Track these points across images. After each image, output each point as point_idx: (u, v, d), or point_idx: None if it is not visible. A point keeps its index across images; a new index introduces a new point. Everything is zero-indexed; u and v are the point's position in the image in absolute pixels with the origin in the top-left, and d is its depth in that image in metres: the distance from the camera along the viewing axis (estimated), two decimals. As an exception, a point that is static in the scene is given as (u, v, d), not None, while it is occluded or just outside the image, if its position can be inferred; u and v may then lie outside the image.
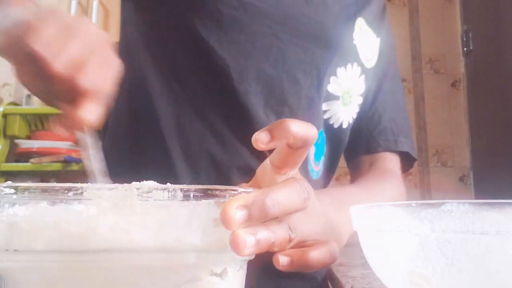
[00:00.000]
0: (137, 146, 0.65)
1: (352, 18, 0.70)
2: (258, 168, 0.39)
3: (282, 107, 0.64)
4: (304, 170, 0.66)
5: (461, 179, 2.37)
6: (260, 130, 0.34)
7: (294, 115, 0.64)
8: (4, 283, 0.26)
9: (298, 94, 0.65)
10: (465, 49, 2.38)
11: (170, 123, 0.63)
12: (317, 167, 0.69)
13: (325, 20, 0.67)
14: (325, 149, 0.71)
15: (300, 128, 0.34)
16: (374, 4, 0.76)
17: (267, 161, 0.38)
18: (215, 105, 0.63)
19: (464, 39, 2.38)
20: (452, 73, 2.44)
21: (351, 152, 0.78)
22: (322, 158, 0.71)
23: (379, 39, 0.75)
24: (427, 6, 2.49)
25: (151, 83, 0.64)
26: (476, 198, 0.29)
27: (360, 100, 0.72)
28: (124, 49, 0.69)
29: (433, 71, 2.45)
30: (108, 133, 0.71)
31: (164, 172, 0.62)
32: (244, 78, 0.63)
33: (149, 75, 0.64)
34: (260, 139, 0.34)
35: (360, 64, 0.70)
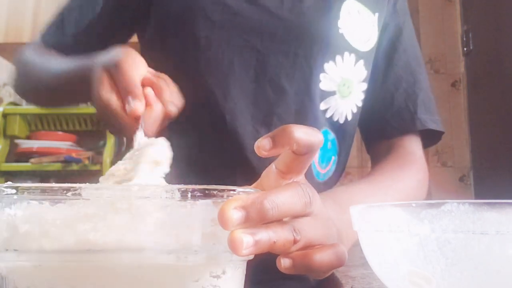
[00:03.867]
0: None
1: (337, 4, 0.67)
2: (263, 172, 0.39)
3: (270, 118, 0.63)
4: (309, 174, 0.65)
5: (461, 179, 2.37)
6: (263, 137, 0.34)
7: (284, 122, 0.63)
8: (5, 283, 0.26)
9: (284, 100, 0.64)
10: (465, 49, 2.38)
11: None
12: (324, 169, 0.68)
13: (302, 18, 0.65)
14: (337, 148, 0.70)
15: (304, 134, 0.33)
16: None
17: (272, 165, 0.38)
18: (204, 130, 0.64)
19: (464, 39, 2.38)
20: (452, 73, 2.44)
21: (367, 138, 0.74)
22: (334, 158, 0.70)
23: (376, 14, 0.70)
24: (427, 6, 2.49)
25: None
26: (476, 198, 0.29)
27: (364, 87, 0.69)
28: None
29: (433, 71, 2.45)
30: None
31: None
32: (227, 97, 0.62)
33: None
34: (263, 146, 0.33)
35: (353, 51, 0.66)
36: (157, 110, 0.45)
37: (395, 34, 0.73)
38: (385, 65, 0.72)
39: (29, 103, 0.87)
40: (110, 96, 0.46)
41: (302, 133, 0.33)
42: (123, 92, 0.46)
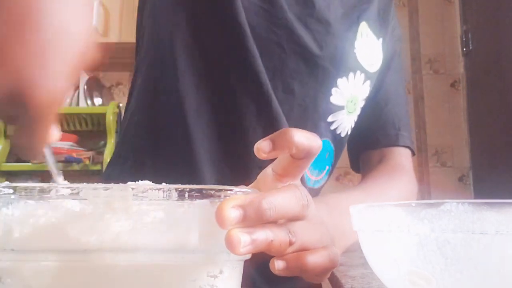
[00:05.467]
0: (156, 129, 0.65)
1: (355, 24, 0.69)
2: (260, 174, 0.39)
3: (273, 116, 0.63)
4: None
5: (461, 179, 2.37)
6: (262, 139, 0.34)
7: (283, 124, 0.63)
8: (1, 283, 0.26)
9: (290, 103, 0.64)
10: (464, 49, 2.39)
11: (190, 106, 0.62)
12: (316, 176, 0.69)
13: (328, 29, 0.66)
14: (333, 159, 0.71)
15: (304, 138, 0.33)
16: (377, 1, 0.73)
17: (269, 168, 0.38)
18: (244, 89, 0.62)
19: (464, 39, 2.38)
20: (452, 73, 2.44)
21: (353, 149, 0.77)
22: (328, 168, 0.70)
23: (380, 39, 0.73)
24: (427, 6, 2.49)
25: (177, 66, 0.63)
26: (475, 198, 0.29)
27: (362, 104, 0.71)
28: (156, 36, 0.67)
29: (433, 72, 2.45)
30: (127, 118, 0.70)
31: (183, 162, 0.61)
32: (259, 81, 0.62)
33: (178, 60, 0.63)
34: (262, 148, 0.33)
35: (364, 71, 0.69)
36: None
37: (390, 55, 0.76)
38: (378, 82, 0.74)
39: None
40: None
41: (302, 137, 0.33)
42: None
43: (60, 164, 2.06)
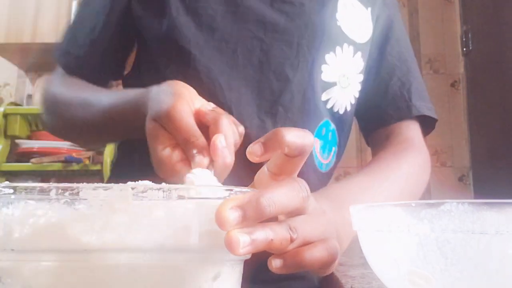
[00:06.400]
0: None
1: None
2: (256, 175, 0.39)
3: (276, 108, 0.63)
4: (311, 165, 0.65)
5: (461, 179, 2.37)
6: (254, 142, 0.34)
7: (289, 113, 0.63)
8: (1, 283, 0.26)
9: (289, 90, 0.63)
10: (464, 49, 2.39)
11: None
12: (326, 160, 0.68)
13: (302, 8, 0.65)
14: (337, 138, 0.70)
15: (295, 137, 0.33)
16: None
17: (264, 168, 0.38)
18: None
19: (464, 39, 2.38)
20: (452, 73, 2.44)
21: (365, 128, 0.75)
22: (334, 149, 0.69)
23: (369, 9, 0.71)
24: (427, 6, 2.49)
25: None
26: (475, 198, 0.29)
27: (360, 78, 0.69)
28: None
29: (433, 71, 2.45)
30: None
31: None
32: (232, 87, 0.62)
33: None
34: (254, 151, 0.33)
35: (351, 43, 0.67)
36: (221, 163, 0.41)
37: (386, 26, 0.74)
38: (379, 56, 0.72)
39: (69, 141, 0.77)
40: (165, 152, 0.42)
41: (293, 136, 0.33)
42: (183, 144, 0.42)
43: (60, 164, 2.06)
